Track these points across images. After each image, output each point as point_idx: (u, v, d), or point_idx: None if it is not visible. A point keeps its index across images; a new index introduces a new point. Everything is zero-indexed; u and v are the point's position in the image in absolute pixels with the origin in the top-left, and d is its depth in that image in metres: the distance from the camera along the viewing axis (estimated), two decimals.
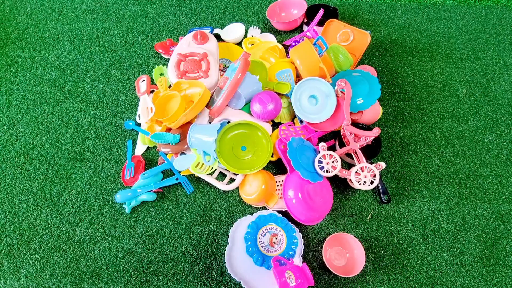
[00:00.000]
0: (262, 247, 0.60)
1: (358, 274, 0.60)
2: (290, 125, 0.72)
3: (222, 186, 0.67)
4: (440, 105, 0.81)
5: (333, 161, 0.63)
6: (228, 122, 0.71)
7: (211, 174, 0.69)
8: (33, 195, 0.69)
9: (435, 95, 0.82)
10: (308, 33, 0.86)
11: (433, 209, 0.67)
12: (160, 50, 0.86)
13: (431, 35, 0.93)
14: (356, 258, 0.60)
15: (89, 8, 0.99)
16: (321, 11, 0.84)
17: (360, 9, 0.99)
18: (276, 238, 0.61)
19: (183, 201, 0.68)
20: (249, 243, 0.59)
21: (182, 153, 0.71)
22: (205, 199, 0.68)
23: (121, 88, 0.83)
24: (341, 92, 0.70)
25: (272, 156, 0.69)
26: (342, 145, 0.67)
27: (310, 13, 0.90)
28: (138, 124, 0.76)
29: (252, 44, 0.88)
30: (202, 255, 0.63)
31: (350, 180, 0.64)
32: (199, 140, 0.66)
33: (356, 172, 0.62)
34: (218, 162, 0.67)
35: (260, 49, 0.83)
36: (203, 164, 0.67)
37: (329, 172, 0.62)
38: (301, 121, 0.73)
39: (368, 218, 0.66)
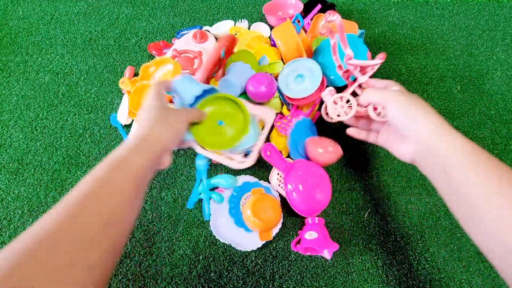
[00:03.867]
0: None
1: (356, 273, 0.60)
2: (281, 118, 0.73)
3: (237, 164, 0.59)
4: (435, 102, 0.81)
5: (347, 103, 0.57)
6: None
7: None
8: (28, 200, 0.68)
9: (429, 92, 0.83)
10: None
11: (429, 206, 0.68)
12: (154, 52, 0.85)
13: (425, 33, 0.94)
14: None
15: (81, 11, 0.98)
16: (318, 6, 0.85)
17: (354, 7, 0.99)
18: None
19: (180, 203, 0.68)
20: (232, 205, 0.64)
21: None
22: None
23: (116, 91, 0.82)
24: (328, 28, 0.59)
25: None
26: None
27: (308, 9, 0.90)
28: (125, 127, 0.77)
29: (237, 34, 0.89)
30: (200, 257, 0.63)
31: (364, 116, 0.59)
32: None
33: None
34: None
35: (246, 39, 0.84)
36: None
37: (347, 114, 0.56)
38: (288, 104, 0.73)
39: (365, 216, 0.66)
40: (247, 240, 0.62)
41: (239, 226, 0.63)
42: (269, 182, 0.69)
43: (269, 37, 0.88)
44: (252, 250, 0.62)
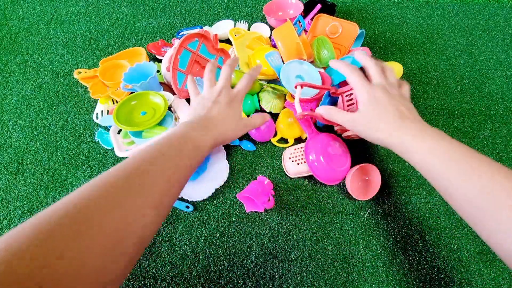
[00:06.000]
0: None
1: (356, 273, 0.60)
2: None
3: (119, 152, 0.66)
4: (435, 102, 0.81)
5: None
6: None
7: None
8: (28, 200, 0.68)
9: (429, 92, 0.83)
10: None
11: (429, 206, 0.68)
12: (153, 51, 0.85)
13: (425, 33, 0.94)
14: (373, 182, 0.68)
15: (81, 11, 0.98)
16: (318, 6, 0.85)
17: (354, 7, 0.99)
18: None
19: None
20: None
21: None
22: (201, 201, 0.68)
23: None
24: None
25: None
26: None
27: (308, 9, 0.90)
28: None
29: (237, 35, 0.89)
30: (200, 257, 0.63)
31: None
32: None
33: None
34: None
35: (246, 39, 0.84)
36: None
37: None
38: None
39: (365, 216, 0.66)
40: (197, 191, 0.67)
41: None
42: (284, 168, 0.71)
43: (270, 38, 0.88)
44: (253, 250, 0.62)
